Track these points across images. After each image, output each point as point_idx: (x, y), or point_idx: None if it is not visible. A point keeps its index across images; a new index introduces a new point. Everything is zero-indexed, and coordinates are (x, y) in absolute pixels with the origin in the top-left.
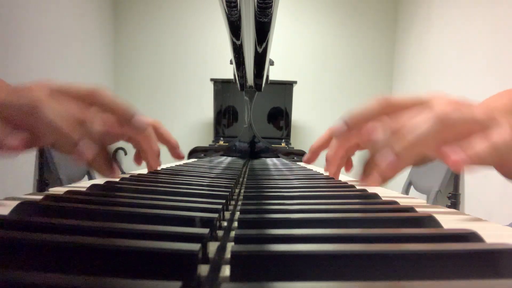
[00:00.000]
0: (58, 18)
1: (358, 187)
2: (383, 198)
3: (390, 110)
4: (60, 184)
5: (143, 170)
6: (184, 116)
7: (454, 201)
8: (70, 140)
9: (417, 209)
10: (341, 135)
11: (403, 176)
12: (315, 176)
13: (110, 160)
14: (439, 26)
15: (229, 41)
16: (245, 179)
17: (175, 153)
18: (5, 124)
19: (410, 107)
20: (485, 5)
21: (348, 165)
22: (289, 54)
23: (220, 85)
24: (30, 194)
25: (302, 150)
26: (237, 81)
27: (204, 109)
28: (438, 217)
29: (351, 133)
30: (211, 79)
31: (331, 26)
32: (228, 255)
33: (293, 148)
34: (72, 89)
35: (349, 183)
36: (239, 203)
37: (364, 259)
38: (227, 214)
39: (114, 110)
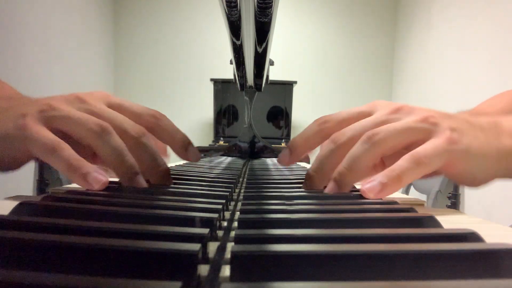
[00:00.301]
0: (58, 18)
1: (358, 187)
2: (383, 198)
3: (332, 126)
4: (60, 184)
5: None
6: (184, 116)
7: (454, 201)
8: (132, 170)
9: (417, 209)
10: (287, 162)
11: None
12: None
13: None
14: (439, 26)
15: (229, 41)
16: (245, 179)
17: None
18: (75, 148)
19: (352, 121)
20: (485, 4)
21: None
22: (289, 54)
23: (220, 85)
24: (30, 196)
25: None
26: (237, 81)
27: (204, 109)
28: (438, 217)
29: (296, 156)
30: (211, 79)
31: (331, 26)
32: (228, 255)
33: None
34: (134, 107)
35: None
36: (239, 203)
37: (364, 259)
38: (227, 214)
39: (173, 137)
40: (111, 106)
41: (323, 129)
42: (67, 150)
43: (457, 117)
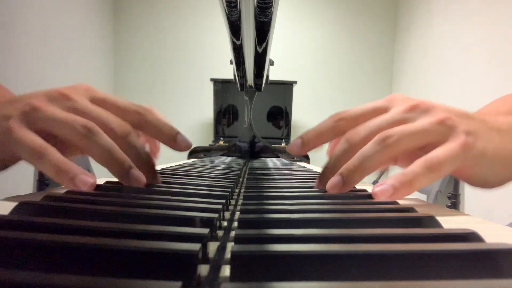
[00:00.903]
0: (58, 18)
1: (358, 187)
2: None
3: (346, 124)
4: (60, 184)
5: None
6: (184, 116)
7: (454, 201)
8: (125, 166)
9: (417, 209)
10: (296, 152)
11: None
12: (315, 176)
13: (153, 169)
14: (439, 25)
15: (229, 41)
16: (245, 179)
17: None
18: (62, 145)
19: (367, 118)
20: (485, 4)
21: None
22: (289, 54)
23: (220, 85)
24: (30, 194)
25: None
26: (237, 81)
27: (204, 109)
28: (438, 217)
29: (307, 149)
30: (211, 79)
31: (331, 26)
32: (228, 255)
33: None
34: (119, 102)
35: None
36: (239, 203)
37: (364, 259)
38: (227, 214)
39: (160, 130)
40: (95, 101)
41: (338, 126)
42: (54, 154)
43: (474, 117)
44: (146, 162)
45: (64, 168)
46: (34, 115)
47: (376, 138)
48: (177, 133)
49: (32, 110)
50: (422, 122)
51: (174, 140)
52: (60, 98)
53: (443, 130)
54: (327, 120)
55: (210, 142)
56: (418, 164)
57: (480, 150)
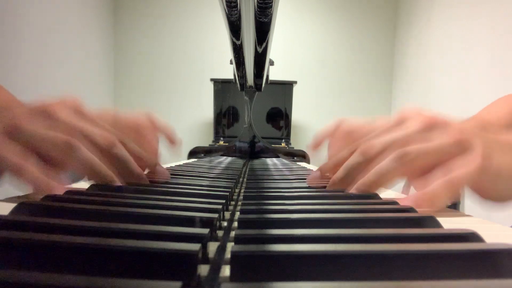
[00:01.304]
0: (57, 18)
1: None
2: (383, 198)
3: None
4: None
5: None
6: (184, 116)
7: (454, 201)
8: (107, 179)
9: (417, 209)
10: (316, 183)
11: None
12: None
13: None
14: (439, 25)
15: (229, 41)
16: (245, 179)
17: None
18: (40, 159)
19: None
20: (485, 4)
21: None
22: (289, 54)
23: (220, 85)
24: (30, 194)
25: (302, 150)
26: (237, 81)
27: (204, 109)
28: (438, 217)
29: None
30: (211, 79)
31: (331, 26)
32: (228, 255)
33: (293, 148)
34: (104, 125)
35: None
36: (239, 203)
37: (364, 259)
38: (227, 214)
39: (141, 158)
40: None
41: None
42: (31, 171)
43: (488, 135)
44: (133, 171)
45: (40, 184)
46: (15, 134)
47: (394, 155)
48: (155, 165)
49: (14, 129)
50: (439, 141)
51: (152, 172)
52: (44, 116)
53: (460, 150)
54: (344, 151)
55: (210, 142)
56: (439, 185)
57: (496, 169)
